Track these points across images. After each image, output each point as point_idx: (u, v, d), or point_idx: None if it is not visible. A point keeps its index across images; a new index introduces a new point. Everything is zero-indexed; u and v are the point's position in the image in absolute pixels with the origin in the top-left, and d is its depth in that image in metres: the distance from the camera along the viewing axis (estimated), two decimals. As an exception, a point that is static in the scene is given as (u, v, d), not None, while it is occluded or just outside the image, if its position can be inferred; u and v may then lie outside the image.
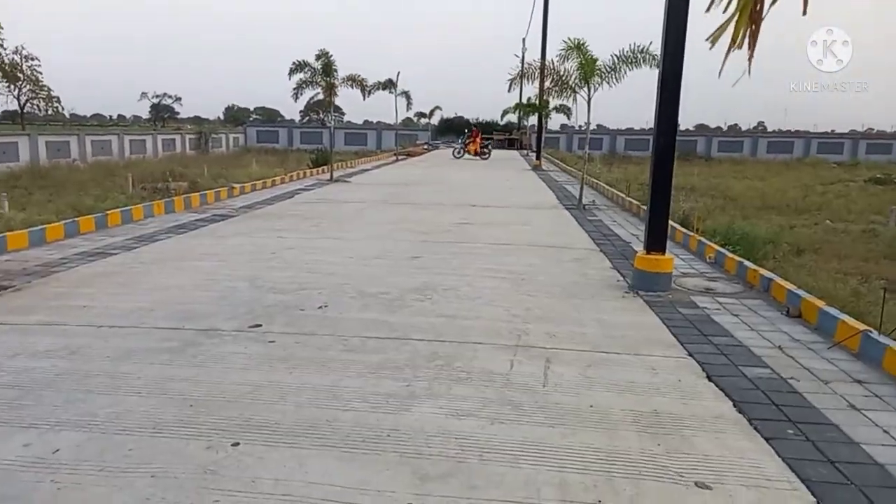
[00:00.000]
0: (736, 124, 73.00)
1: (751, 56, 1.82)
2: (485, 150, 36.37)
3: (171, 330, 5.54)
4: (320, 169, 23.67)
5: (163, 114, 77.04)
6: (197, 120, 76.58)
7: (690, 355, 5.27)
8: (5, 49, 35.32)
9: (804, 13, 1.64)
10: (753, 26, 1.78)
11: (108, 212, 11.24)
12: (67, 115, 53.97)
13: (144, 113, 79.64)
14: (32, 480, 3.21)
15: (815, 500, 3.23)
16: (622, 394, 4.42)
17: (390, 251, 9.31)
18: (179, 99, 77.01)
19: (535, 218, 13.55)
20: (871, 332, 5.29)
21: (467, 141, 37.27)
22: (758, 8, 1.75)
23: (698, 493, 3.25)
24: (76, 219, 10.39)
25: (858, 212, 14.76)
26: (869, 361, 5.12)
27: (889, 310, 5.63)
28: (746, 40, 1.83)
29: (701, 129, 62.84)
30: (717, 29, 1.90)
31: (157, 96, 75.41)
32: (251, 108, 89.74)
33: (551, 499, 3.16)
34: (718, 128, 68.59)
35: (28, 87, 41.43)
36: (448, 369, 4.78)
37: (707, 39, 1.83)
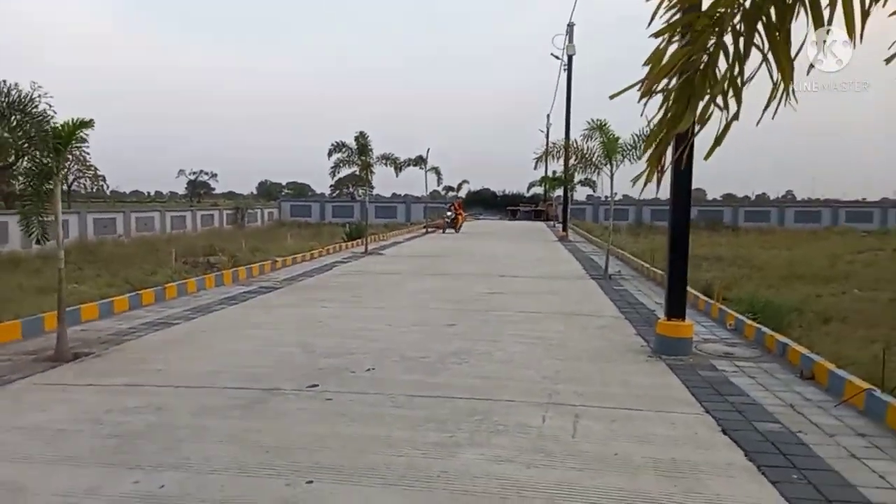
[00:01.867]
0: (764, 193, 73.56)
1: (651, 180, 2.30)
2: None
3: (239, 389, 6.24)
4: (354, 242, 24.70)
5: (199, 190, 79.87)
6: (232, 195, 79.37)
7: (707, 412, 5.78)
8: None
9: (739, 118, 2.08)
10: (659, 168, 2.18)
11: (166, 285, 12.16)
12: (109, 193, 56.55)
13: (181, 189, 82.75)
14: (145, 510, 3.86)
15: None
16: (643, 444, 4.96)
17: (427, 319, 9.99)
18: (215, 175, 79.87)
19: (562, 288, 14.16)
20: (874, 390, 5.76)
21: (455, 216, 33.97)
22: (664, 153, 2.11)
23: (709, 524, 3.77)
24: (139, 292, 11.28)
25: (888, 280, 14.82)
26: (873, 417, 5.58)
27: (894, 368, 6.08)
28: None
29: (728, 198, 63.40)
30: (638, 176, 2.34)
31: (194, 173, 78.34)
32: (283, 183, 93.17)
33: (581, 527, 3.70)
34: (746, 197, 69.11)
35: (76, 166, 43.84)
36: (487, 423, 5.37)
37: (631, 180, 2.35)
